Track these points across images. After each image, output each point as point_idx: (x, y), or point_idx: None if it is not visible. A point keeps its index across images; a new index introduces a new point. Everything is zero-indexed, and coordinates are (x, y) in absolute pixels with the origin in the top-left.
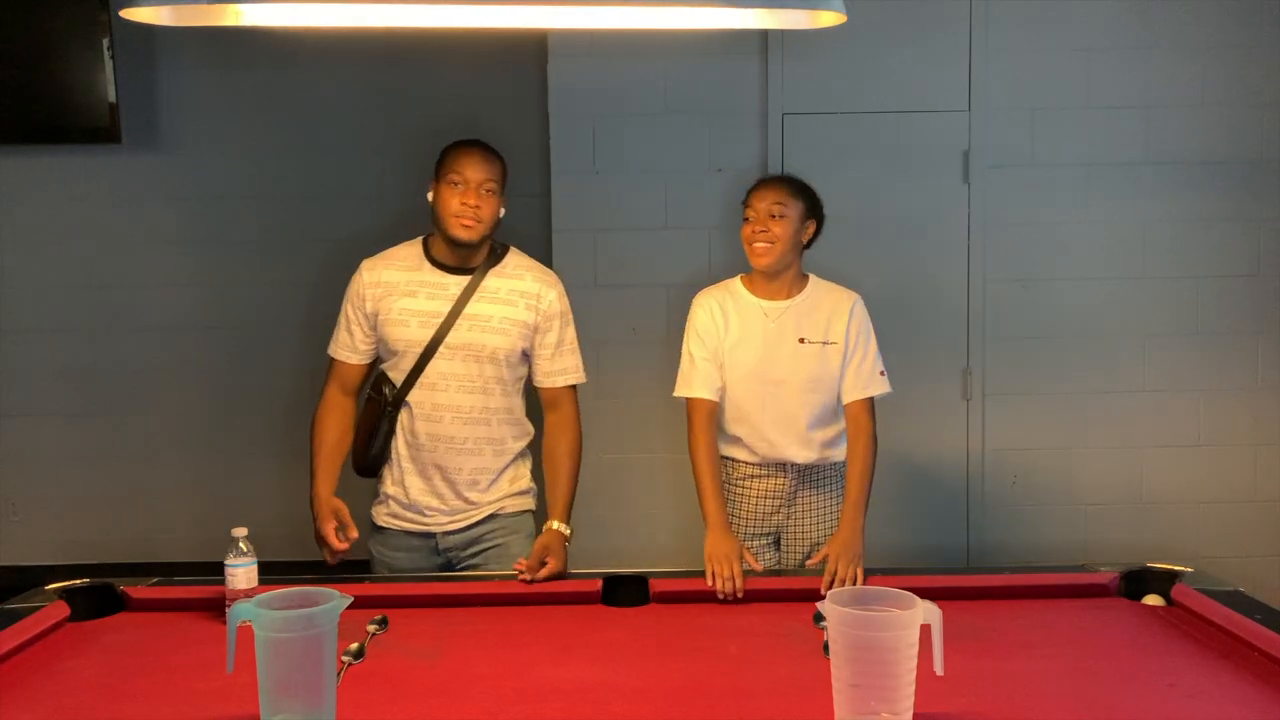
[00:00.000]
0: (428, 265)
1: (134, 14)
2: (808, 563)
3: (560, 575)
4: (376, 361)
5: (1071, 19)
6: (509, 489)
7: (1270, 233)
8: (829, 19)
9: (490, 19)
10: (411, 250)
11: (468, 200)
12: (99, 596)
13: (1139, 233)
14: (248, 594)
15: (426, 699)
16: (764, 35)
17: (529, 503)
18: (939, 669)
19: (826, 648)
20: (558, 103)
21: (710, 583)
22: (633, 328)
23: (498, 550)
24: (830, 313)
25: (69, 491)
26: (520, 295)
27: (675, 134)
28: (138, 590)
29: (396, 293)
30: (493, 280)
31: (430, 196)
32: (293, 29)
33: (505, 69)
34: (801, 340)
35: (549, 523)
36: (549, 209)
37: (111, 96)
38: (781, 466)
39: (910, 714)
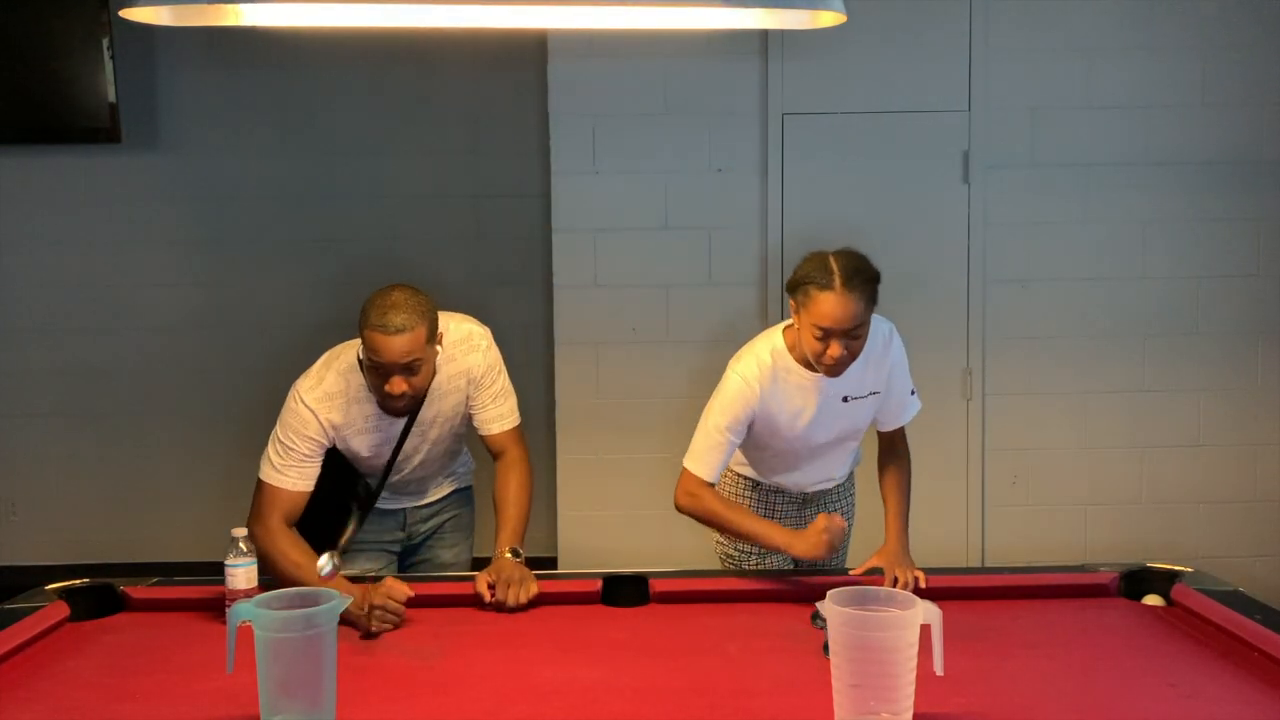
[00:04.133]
0: (375, 398)
1: (134, 14)
2: (852, 572)
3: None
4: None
5: (1071, 19)
6: (462, 469)
7: (1270, 233)
8: (829, 19)
9: (490, 19)
10: (352, 380)
11: (393, 390)
12: (99, 596)
13: (1139, 233)
14: (248, 594)
15: (426, 699)
16: (764, 35)
17: (472, 477)
18: (939, 669)
19: (826, 648)
20: (558, 103)
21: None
22: (633, 328)
23: (455, 520)
24: (868, 358)
25: (69, 491)
26: (459, 374)
27: (675, 134)
28: (138, 590)
29: (353, 430)
30: (437, 375)
31: (359, 352)
32: (293, 29)
33: (505, 69)
34: (845, 399)
35: (503, 550)
36: (549, 209)
37: (111, 96)
38: (804, 494)
39: (910, 714)
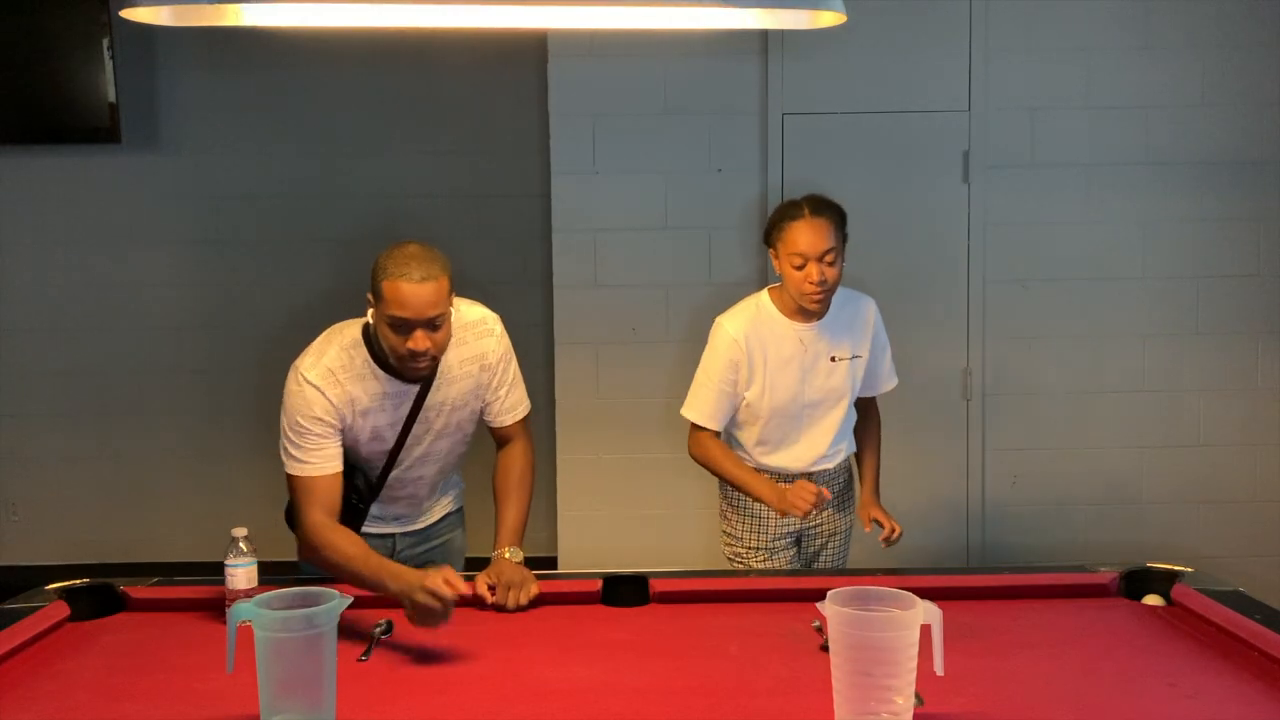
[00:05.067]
0: (382, 375)
1: (134, 14)
2: (866, 529)
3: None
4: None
5: (1071, 19)
6: (455, 491)
7: (1270, 233)
8: (829, 19)
9: (490, 19)
10: (356, 355)
11: (417, 346)
12: (99, 596)
13: (1139, 233)
14: (248, 594)
15: (426, 699)
16: (764, 35)
17: (462, 499)
18: (939, 669)
19: (825, 647)
20: (558, 103)
21: (801, 508)
22: (633, 328)
23: (444, 546)
24: (853, 324)
25: (69, 491)
26: (471, 360)
27: (675, 134)
28: (138, 590)
29: (359, 409)
30: (447, 359)
31: (369, 315)
32: (293, 29)
33: (505, 69)
34: (833, 359)
35: (502, 551)
36: (549, 209)
37: (111, 96)
38: (806, 475)
39: (910, 714)
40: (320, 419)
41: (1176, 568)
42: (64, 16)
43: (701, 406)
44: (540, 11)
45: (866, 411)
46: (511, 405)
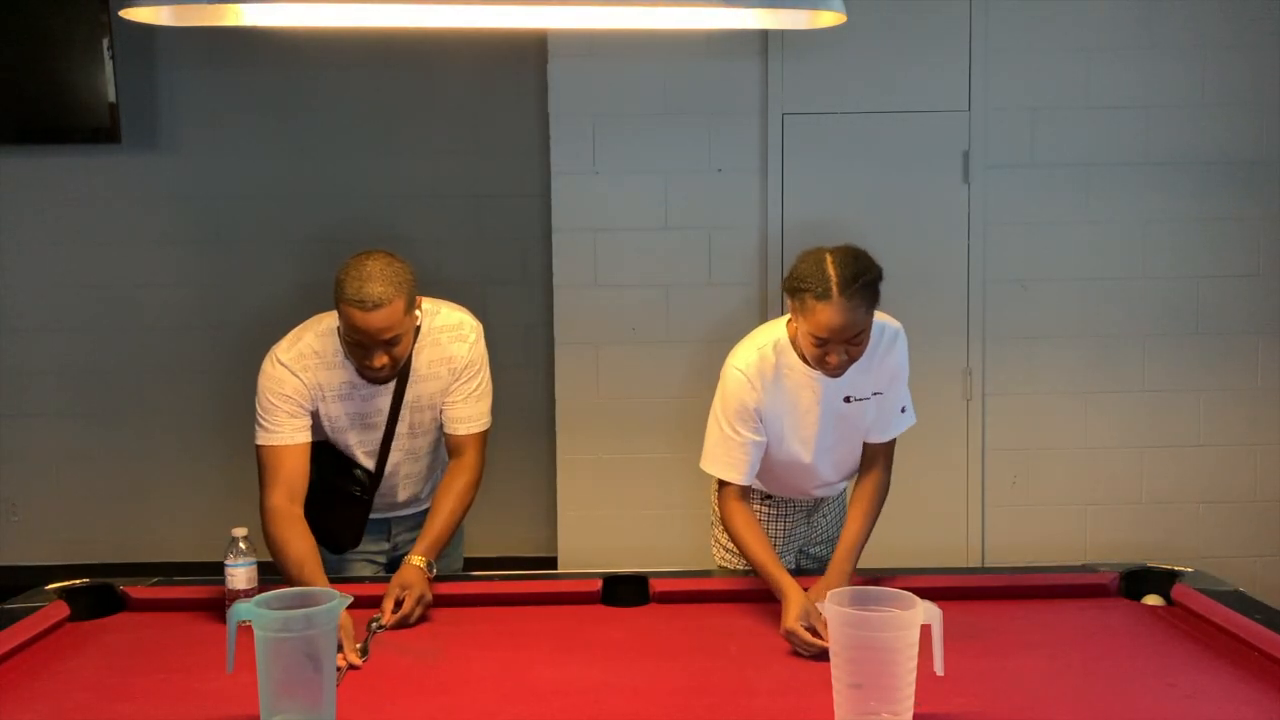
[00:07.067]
0: (350, 366)
1: (134, 14)
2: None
3: (422, 617)
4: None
5: (1071, 19)
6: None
7: (1270, 233)
8: (829, 19)
9: (490, 19)
10: (327, 343)
11: (371, 363)
12: (99, 596)
13: (1139, 233)
14: (248, 594)
15: (426, 699)
16: (764, 35)
17: None
18: (939, 669)
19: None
20: (558, 103)
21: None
22: (632, 328)
23: None
24: (873, 360)
25: (69, 491)
26: (442, 362)
27: (675, 134)
28: (138, 590)
29: (331, 396)
30: (418, 359)
31: (336, 318)
32: (293, 29)
33: (505, 69)
34: (848, 400)
35: (411, 557)
36: (549, 209)
37: (111, 96)
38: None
39: (910, 714)
40: (289, 397)
41: (1176, 568)
42: (64, 16)
43: (722, 459)
44: (540, 11)
45: (871, 467)
46: (466, 416)
